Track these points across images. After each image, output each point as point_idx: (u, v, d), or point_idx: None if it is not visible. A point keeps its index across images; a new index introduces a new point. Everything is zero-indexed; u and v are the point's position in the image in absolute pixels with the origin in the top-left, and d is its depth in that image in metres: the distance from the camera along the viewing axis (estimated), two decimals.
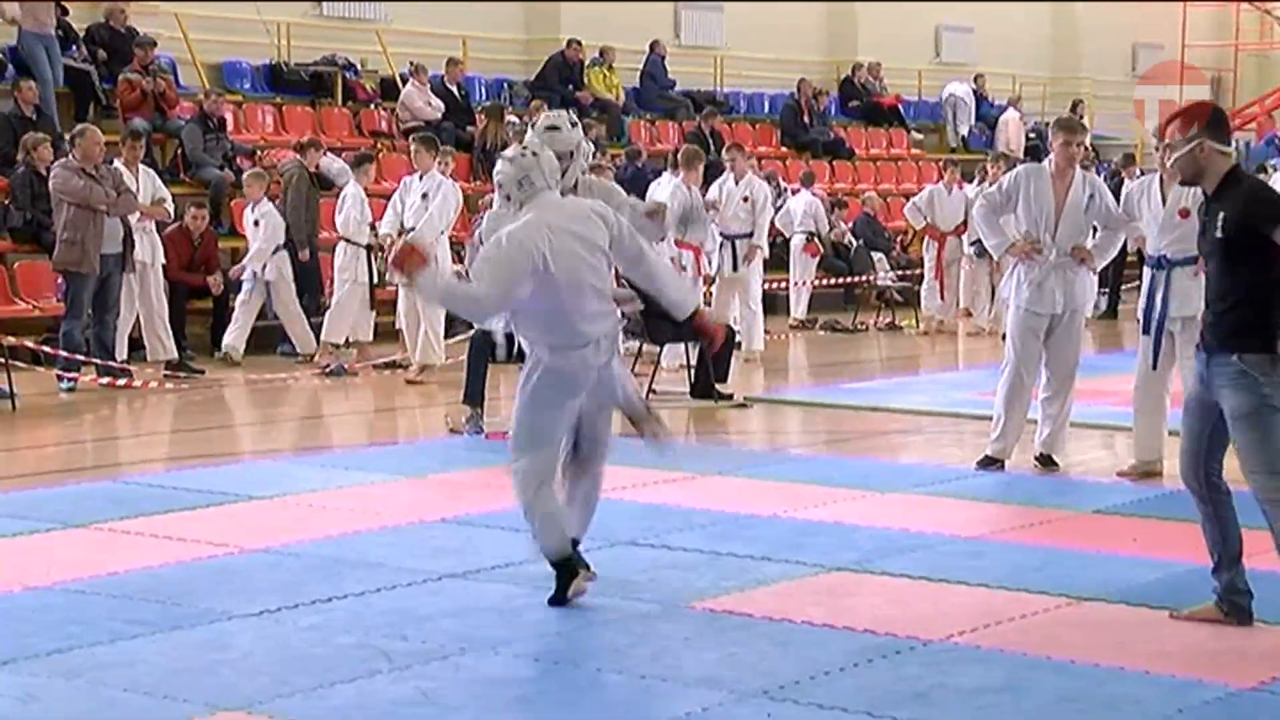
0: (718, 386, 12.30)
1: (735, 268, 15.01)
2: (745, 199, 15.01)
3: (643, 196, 14.32)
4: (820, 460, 9.98)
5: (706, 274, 14.53)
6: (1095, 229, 9.65)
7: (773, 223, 17.06)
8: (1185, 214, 8.91)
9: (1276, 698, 5.26)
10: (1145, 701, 5.19)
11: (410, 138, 14.92)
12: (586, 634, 6.03)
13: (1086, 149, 18.43)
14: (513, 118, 19.13)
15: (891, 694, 5.29)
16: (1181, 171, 6.06)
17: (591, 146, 7.05)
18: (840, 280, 19.66)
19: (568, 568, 6.38)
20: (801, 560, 7.13)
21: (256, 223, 14.65)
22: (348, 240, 14.19)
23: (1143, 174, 16.76)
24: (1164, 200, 9.05)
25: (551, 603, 6.32)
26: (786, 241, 18.81)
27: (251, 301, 14.65)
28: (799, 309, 18.78)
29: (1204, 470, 6.01)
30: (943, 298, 18.00)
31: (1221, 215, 5.89)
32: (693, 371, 12.49)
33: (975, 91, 26.16)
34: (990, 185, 13.45)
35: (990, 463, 9.52)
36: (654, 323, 12.45)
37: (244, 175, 15.16)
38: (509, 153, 6.57)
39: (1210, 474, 6.02)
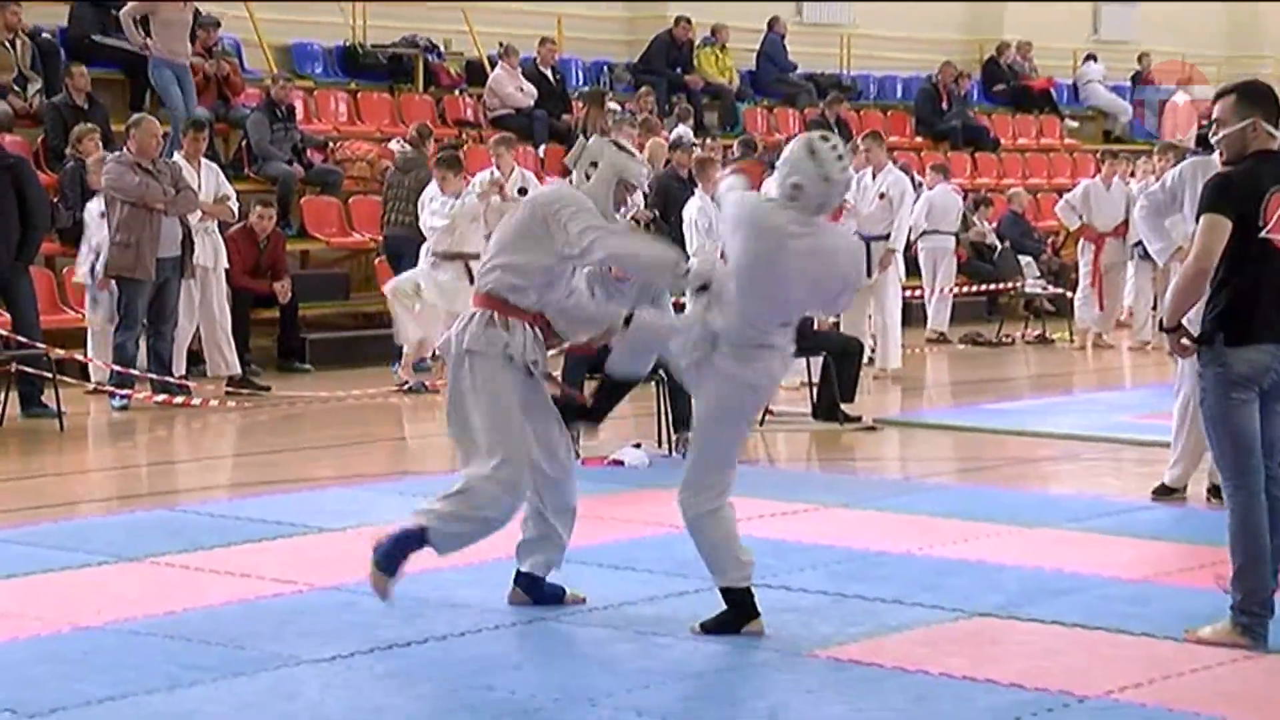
0: (843, 407, 12.28)
1: (870, 273, 14.97)
2: (882, 195, 14.95)
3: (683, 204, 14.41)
4: (959, 491, 9.93)
5: None
6: None
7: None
8: None
9: None
10: None
11: (492, 138, 15.08)
12: (696, 685, 6.03)
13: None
14: (614, 104, 19.22)
15: None
16: (1228, 150, 6.48)
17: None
18: (983, 288, 19.54)
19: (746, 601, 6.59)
20: (939, 604, 7.09)
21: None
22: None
23: None
24: None
25: (705, 630, 6.54)
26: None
27: None
28: (938, 320, 18.65)
29: None
30: (1100, 307, 17.84)
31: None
32: (816, 390, 12.47)
33: (1139, 73, 25.96)
34: (1155, 181, 13.33)
35: (1166, 493, 9.44)
36: None
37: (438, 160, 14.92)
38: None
39: None
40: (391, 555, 6.65)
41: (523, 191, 14.52)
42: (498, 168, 14.60)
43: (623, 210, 6.88)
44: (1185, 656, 6.29)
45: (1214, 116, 6.53)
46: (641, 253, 6.77)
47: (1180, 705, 5.75)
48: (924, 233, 18.36)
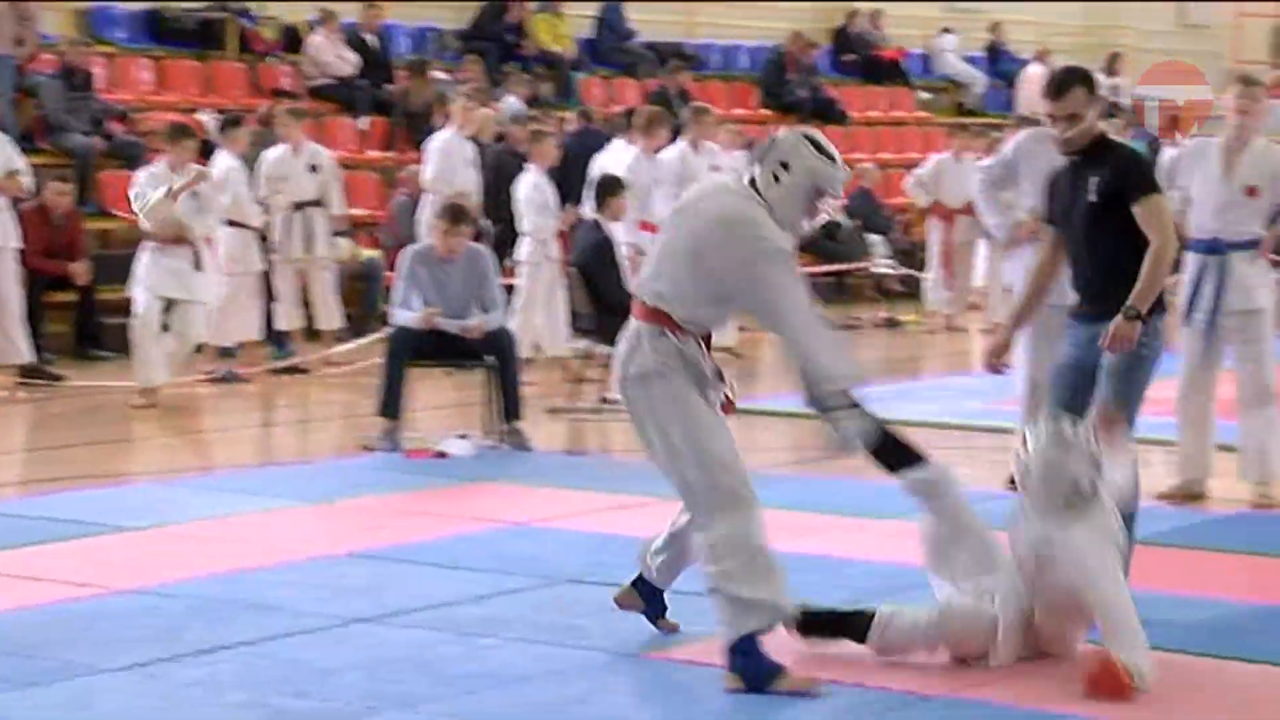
0: None
1: None
2: (715, 169, 15.04)
3: (588, 167, 14.42)
4: (805, 482, 10.01)
5: None
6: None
7: None
8: (1254, 192, 9.02)
9: None
10: None
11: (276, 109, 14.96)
12: (521, 690, 6.03)
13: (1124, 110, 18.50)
14: (441, 74, 19.14)
15: None
16: (1079, 140, 6.98)
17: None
18: (830, 268, 19.72)
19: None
20: None
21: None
22: (235, 223, 14.04)
23: (1188, 140, 16.91)
24: (1224, 171, 9.13)
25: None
26: None
27: None
28: None
29: None
30: (951, 289, 18.09)
31: (1094, 180, 6.91)
32: None
33: (993, 44, 26.31)
34: None
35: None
36: (608, 320, 12.48)
37: None
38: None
39: None
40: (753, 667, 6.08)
41: (313, 168, 14.45)
42: (285, 140, 14.51)
43: (813, 222, 6.36)
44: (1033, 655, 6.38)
45: (1069, 111, 6.90)
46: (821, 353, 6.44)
47: (1027, 701, 5.85)
48: None
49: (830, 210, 6.31)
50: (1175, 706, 5.89)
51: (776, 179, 6.18)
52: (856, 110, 24.05)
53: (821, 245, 19.97)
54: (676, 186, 14.84)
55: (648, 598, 6.73)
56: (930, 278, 18.28)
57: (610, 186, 12.94)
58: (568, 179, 14.98)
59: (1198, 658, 6.35)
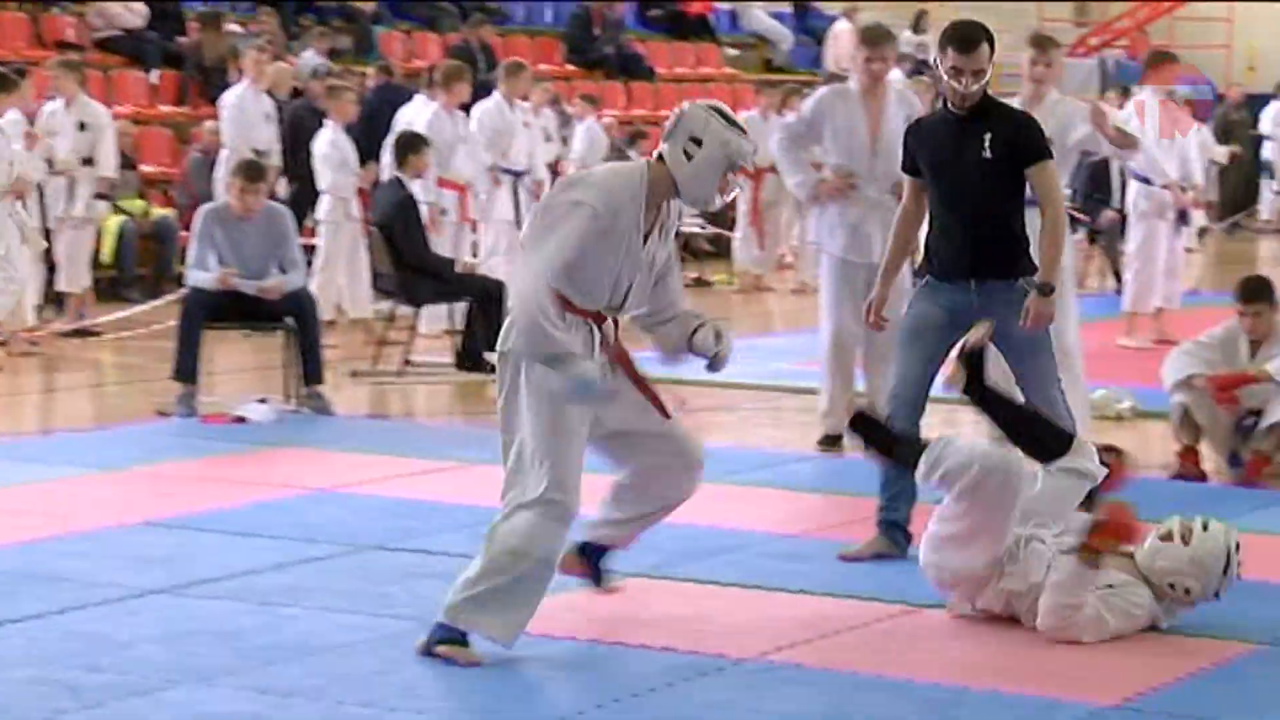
0: (488, 356, 12.30)
1: (521, 211, 15.12)
2: (526, 126, 15.08)
3: (390, 123, 14.32)
4: None
5: (472, 218, 14.53)
6: None
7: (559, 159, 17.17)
8: None
9: (1142, 715, 5.45)
10: None
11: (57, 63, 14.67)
12: (325, 660, 6.00)
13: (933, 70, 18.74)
14: (235, 26, 18.88)
15: None
16: (978, 98, 7.09)
17: None
18: None
19: None
20: None
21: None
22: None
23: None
24: None
25: None
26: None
27: None
28: None
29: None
30: (760, 248, 18.23)
31: (989, 136, 7.04)
32: (459, 338, 12.47)
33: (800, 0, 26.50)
34: None
35: (831, 442, 9.69)
36: (411, 280, 12.42)
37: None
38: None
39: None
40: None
41: (83, 126, 14.15)
42: (59, 93, 14.23)
43: (724, 197, 6.19)
44: (844, 614, 6.48)
45: (977, 67, 7.00)
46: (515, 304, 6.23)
47: (838, 665, 5.94)
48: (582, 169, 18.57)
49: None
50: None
51: (688, 155, 6.06)
52: (663, 67, 24.10)
53: None
54: (490, 142, 14.84)
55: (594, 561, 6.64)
56: (739, 237, 18.40)
57: (410, 143, 12.86)
58: (371, 135, 14.85)
59: (1006, 620, 6.46)
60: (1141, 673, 5.82)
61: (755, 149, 6.35)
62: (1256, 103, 27.54)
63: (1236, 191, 26.58)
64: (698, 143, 6.06)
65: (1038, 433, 6.64)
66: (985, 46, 7.05)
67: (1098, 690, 5.64)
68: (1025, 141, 7.09)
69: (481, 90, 15.91)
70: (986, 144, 7.03)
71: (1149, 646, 6.00)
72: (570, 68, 22.93)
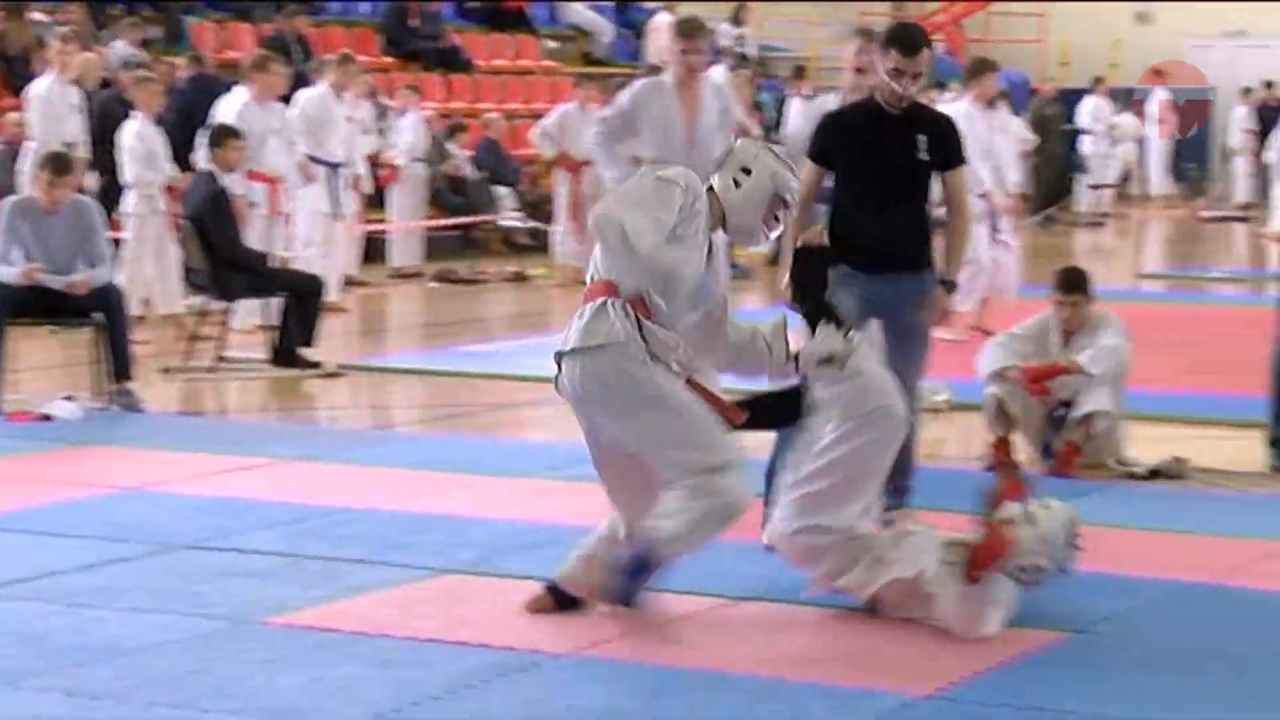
0: (303, 352, 12.23)
1: (338, 204, 15.07)
2: (349, 120, 15.05)
3: (207, 115, 14.17)
4: (430, 440, 10.03)
5: (284, 212, 14.42)
6: None
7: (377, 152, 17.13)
8: None
9: (956, 705, 5.54)
10: (808, 717, 5.39)
11: None
12: (136, 661, 5.93)
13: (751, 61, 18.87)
14: (41, 15, 18.57)
15: (511, 719, 5.36)
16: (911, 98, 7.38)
17: None
18: (456, 221, 19.72)
19: None
20: (406, 563, 7.17)
21: None
22: None
23: (814, 93, 17.34)
24: None
25: None
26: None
27: None
28: (404, 255, 18.83)
29: None
30: (580, 242, 18.23)
31: (923, 139, 7.37)
32: (274, 333, 12.37)
33: None
34: None
35: None
36: (224, 274, 12.31)
37: None
38: None
39: None
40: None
41: None
42: None
43: (770, 233, 6.49)
44: (659, 608, 6.50)
45: (919, 70, 7.25)
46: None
47: (652, 659, 5.97)
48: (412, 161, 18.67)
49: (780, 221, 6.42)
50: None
51: (737, 184, 6.38)
52: (482, 59, 24.06)
53: (447, 199, 19.96)
54: (309, 133, 14.75)
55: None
56: (558, 231, 18.41)
57: (221, 136, 12.74)
58: (186, 128, 14.68)
59: (823, 609, 6.54)
60: (955, 662, 5.91)
61: (798, 184, 6.66)
62: (1070, 97, 28.06)
63: (1049, 185, 27.06)
64: (747, 172, 6.39)
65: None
66: (926, 51, 7.31)
67: (912, 680, 5.72)
68: (954, 146, 7.51)
69: (298, 82, 15.80)
70: (922, 146, 7.36)
71: (962, 639, 6.10)
72: (387, 60, 22.81)
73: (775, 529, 6.50)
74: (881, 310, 7.44)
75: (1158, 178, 29.95)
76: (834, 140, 7.54)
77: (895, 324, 7.50)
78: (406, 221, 18.91)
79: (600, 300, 6.22)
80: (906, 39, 7.29)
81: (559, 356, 6.32)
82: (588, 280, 6.38)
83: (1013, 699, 5.56)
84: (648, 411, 6.17)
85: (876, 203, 7.41)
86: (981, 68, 14.04)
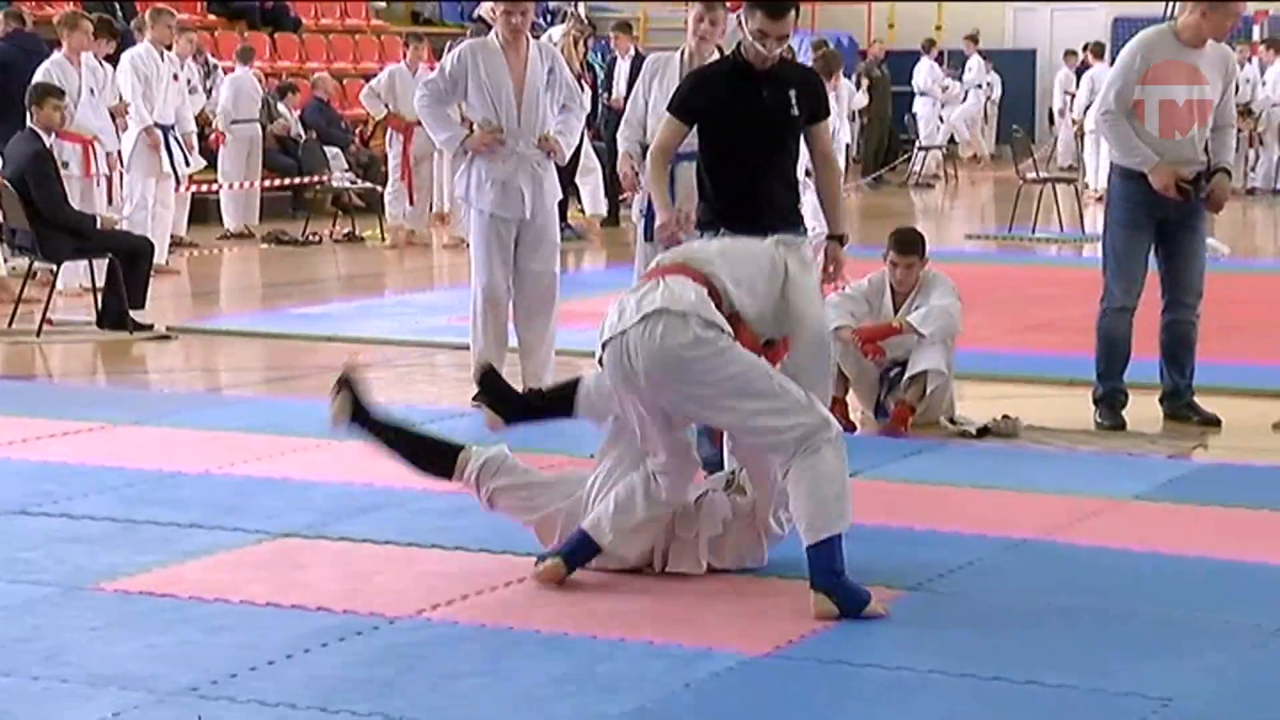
0: (133, 314, 12.07)
1: (176, 164, 14.89)
2: (175, 79, 14.86)
3: (29, 79, 13.90)
4: (264, 403, 9.95)
5: (102, 174, 14.19)
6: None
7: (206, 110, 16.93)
8: None
9: (793, 663, 5.58)
10: (648, 678, 5.41)
11: None
12: None
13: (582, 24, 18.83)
14: None
15: (350, 684, 5.33)
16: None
17: None
18: (287, 182, 19.53)
19: None
20: (241, 526, 7.11)
21: None
22: None
23: (638, 53, 17.35)
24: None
25: None
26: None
27: None
28: (238, 217, 18.64)
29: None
30: (412, 202, 18.14)
31: (793, 93, 7.28)
32: (101, 295, 12.19)
33: None
34: None
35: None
36: (48, 236, 12.10)
37: None
38: None
39: None
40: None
41: None
42: None
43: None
44: (500, 569, 6.50)
45: (784, 32, 7.17)
46: None
47: (495, 621, 5.96)
48: (233, 121, 18.43)
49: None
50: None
51: None
52: (310, 18, 23.84)
53: (278, 159, 19.76)
54: (139, 92, 14.52)
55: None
56: (390, 192, 18.28)
57: (40, 94, 12.53)
58: (7, 87, 14.37)
59: (657, 574, 6.56)
60: (793, 621, 5.95)
61: None
62: (896, 59, 28.31)
63: (879, 147, 27.31)
64: None
65: (430, 449, 6.75)
66: (791, 13, 7.25)
67: (749, 639, 5.75)
68: (821, 100, 7.47)
69: (125, 42, 15.56)
70: (794, 100, 7.29)
71: (802, 596, 6.14)
72: (213, 18, 22.51)
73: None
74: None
75: (985, 140, 30.30)
76: (698, 98, 7.43)
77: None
78: (236, 182, 18.69)
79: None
80: (768, 6, 7.16)
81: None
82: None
83: (850, 657, 5.60)
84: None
85: (750, 161, 7.33)
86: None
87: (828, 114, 7.56)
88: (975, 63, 29.32)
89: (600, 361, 6.24)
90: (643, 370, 6.05)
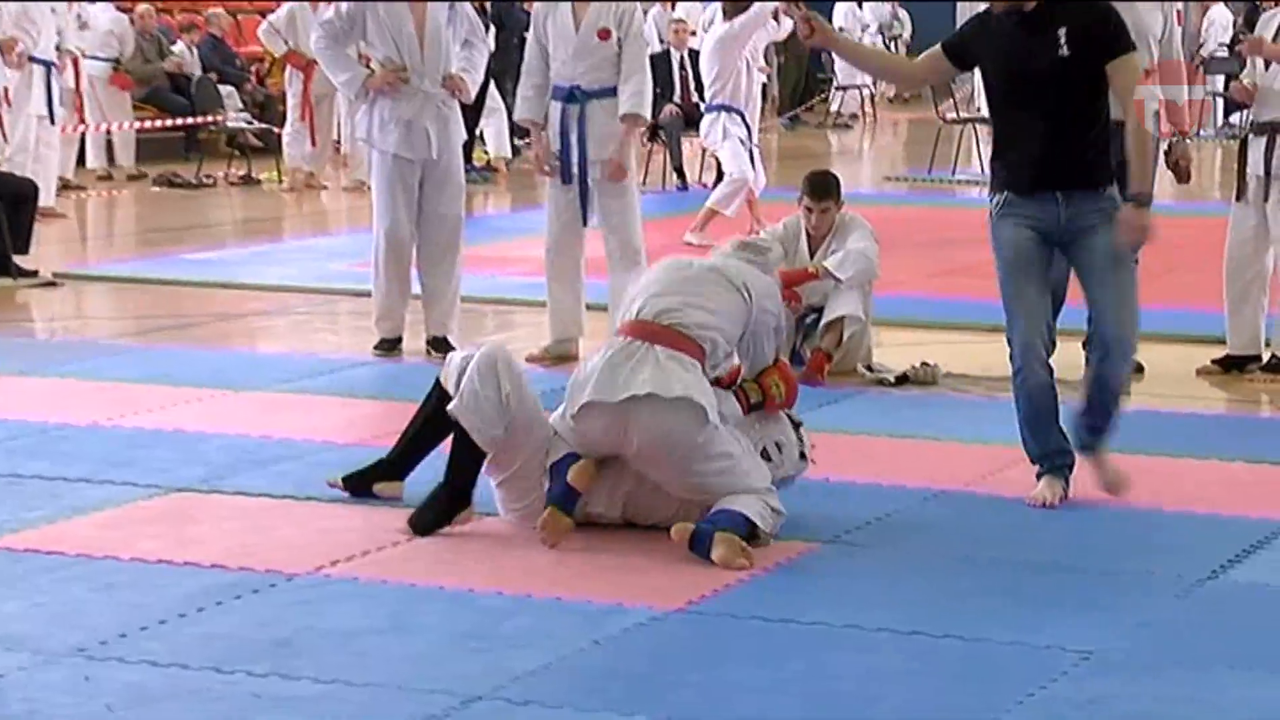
0: (16, 260, 11.96)
1: (52, 105, 14.73)
2: (54, 12, 14.72)
3: None
4: (155, 352, 9.87)
5: None
6: None
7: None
8: (605, 35, 9.28)
9: (706, 618, 5.59)
10: (557, 634, 5.41)
11: None
12: None
13: None
14: None
15: (247, 643, 5.31)
16: None
17: None
18: (180, 122, 19.35)
19: None
20: (131, 480, 7.06)
21: None
22: None
23: None
24: (575, 20, 9.35)
25: None
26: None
27: None
28: (123, 156, 18.49)
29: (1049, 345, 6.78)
30: (313, 144, 18.01)
31: (1065, 30, 6.61)
32: None
33: None
34: None
35: (388, 347, 9.67)
36: None
37: None
38: None
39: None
40: None
41: None
42: None
43: None
44: (401, 524, 6.46)
45: None
46: None
47: (397, 578, 5.94)
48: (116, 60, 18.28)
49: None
50: None
51: None
52: None
53: (169, 98, 19.57)
54: (22, 26, 14.34)
55: None
56: (289, 132, 18.14)
57: None
58: None
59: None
60: (707, 576, 5.96)
61: None
62: None
63: (796, 86, 27.32)
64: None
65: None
66: None
67: (662, 594, 5.76)
68: (1104, 33, 6.69)
69: None
70: (1062, 39, 6.63)
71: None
72: None
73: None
74: (1058, 236, 6.77)
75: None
76: (975, 43, 6.85)
77: (1085, 253, 6.78)
78: (120, 121, 18.50)
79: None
80: None
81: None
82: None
83: (765, 611, 5.62)
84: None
85: (1025, 114, 6.73)
86: None
87: (1126, 49, 6.71)
88: (886, 7, 29.52)
89: (571, 415, 6.34)
90: (637, 444, 6.27)
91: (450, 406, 6.36)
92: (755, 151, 14.53)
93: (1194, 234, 12.04)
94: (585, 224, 9.54)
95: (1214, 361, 9.40)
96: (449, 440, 6.49)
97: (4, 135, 14.16)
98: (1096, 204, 6.75)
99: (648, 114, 9.63)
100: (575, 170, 9.43)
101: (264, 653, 5.23)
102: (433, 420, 6.56)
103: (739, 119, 14.41)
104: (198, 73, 19.96)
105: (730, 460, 6.31)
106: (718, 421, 6.29)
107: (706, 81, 14.77)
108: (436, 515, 6.44)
